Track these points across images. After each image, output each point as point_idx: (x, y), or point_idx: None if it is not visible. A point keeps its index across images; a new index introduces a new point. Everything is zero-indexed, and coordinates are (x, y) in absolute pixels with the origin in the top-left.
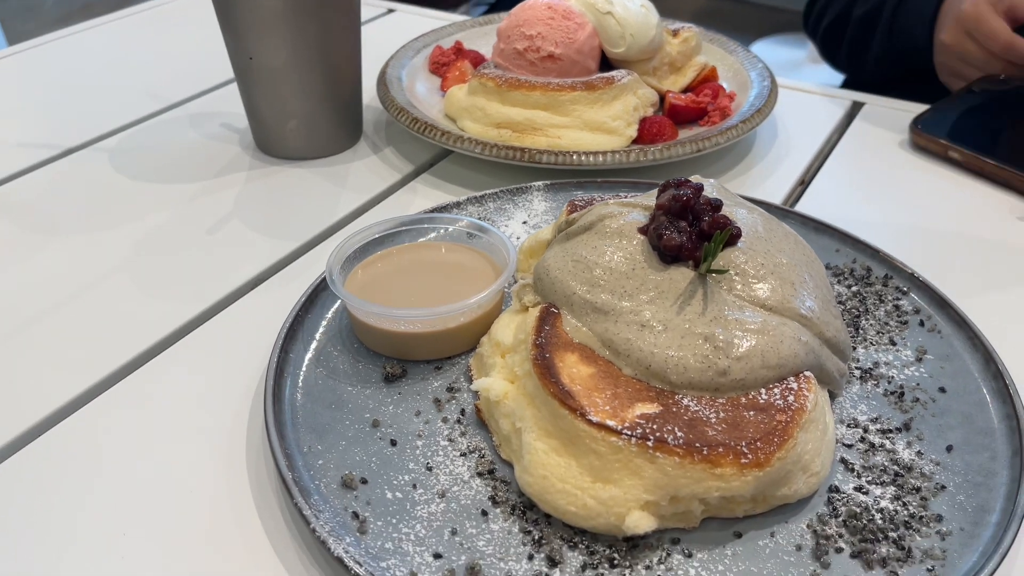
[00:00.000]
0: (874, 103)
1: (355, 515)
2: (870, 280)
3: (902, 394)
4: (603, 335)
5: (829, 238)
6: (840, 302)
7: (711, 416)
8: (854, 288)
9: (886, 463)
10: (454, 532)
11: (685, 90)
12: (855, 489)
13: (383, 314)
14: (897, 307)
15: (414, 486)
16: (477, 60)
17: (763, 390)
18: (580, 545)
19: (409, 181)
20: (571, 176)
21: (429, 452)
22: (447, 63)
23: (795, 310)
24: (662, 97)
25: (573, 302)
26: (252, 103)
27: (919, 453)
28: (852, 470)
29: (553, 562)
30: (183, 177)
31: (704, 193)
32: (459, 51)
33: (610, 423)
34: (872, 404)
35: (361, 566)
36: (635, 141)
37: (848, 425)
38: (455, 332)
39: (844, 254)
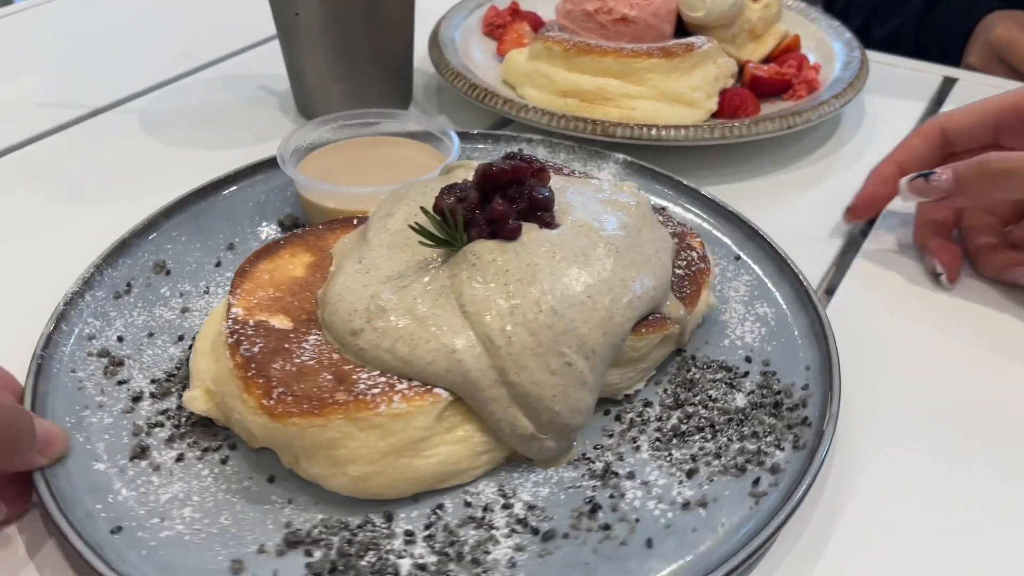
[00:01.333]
0: (968, 80)
1: None
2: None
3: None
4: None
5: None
6: None
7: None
8: None
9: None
10: None
11: (765, 60)
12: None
13: (330, 191)
14: None
15: None
16: (536, 23)
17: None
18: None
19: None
20: (647, 153)
21: None
22: (503, 25)
23: (486, 331)
24: (740, 67)
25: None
26: (295, 64)
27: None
28: None
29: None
30: (217, 142)
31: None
32: (516, 12)
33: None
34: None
35: None
36: (714, 115)
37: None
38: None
39: None
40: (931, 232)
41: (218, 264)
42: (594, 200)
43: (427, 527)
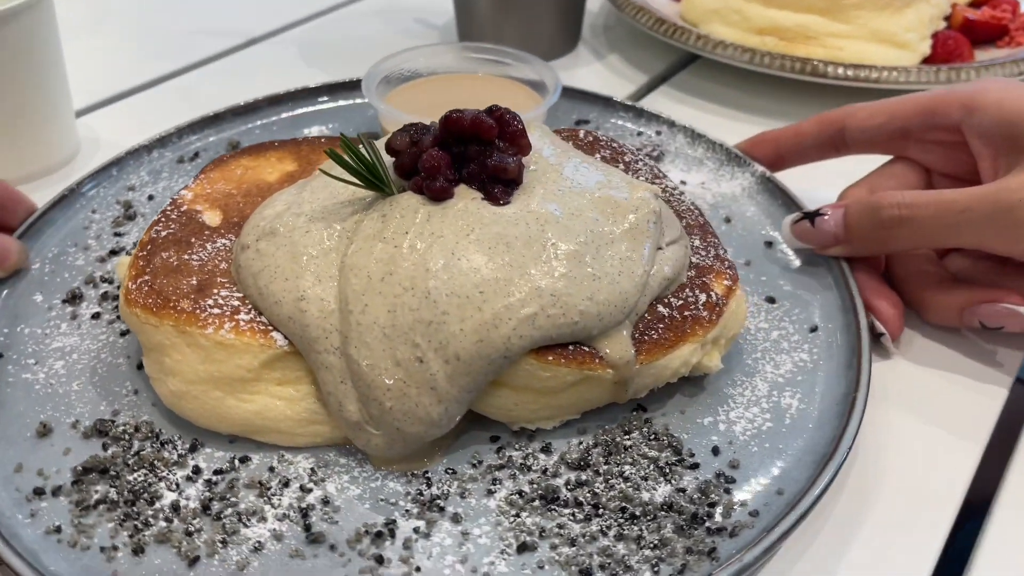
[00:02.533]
0: None
1: None
2: None
3: None
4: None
5: None
6: None
7: None
8: None
9: None
10: None
11: (973, 3)
12: None
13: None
14: None
15: None
16: None
17: None
18: None
19: (644, 95)
20: (858, 97)
21: None
22: None
23: (346, 290)
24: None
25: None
26: None
27: None
28: None
29: None
30: None
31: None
32: None
33: None
34: None
35: None
36: (926, 60)
37: None
38: None
39: None
40: (861, 269)
41: None
42: (588, 189)
43: (217, 472)
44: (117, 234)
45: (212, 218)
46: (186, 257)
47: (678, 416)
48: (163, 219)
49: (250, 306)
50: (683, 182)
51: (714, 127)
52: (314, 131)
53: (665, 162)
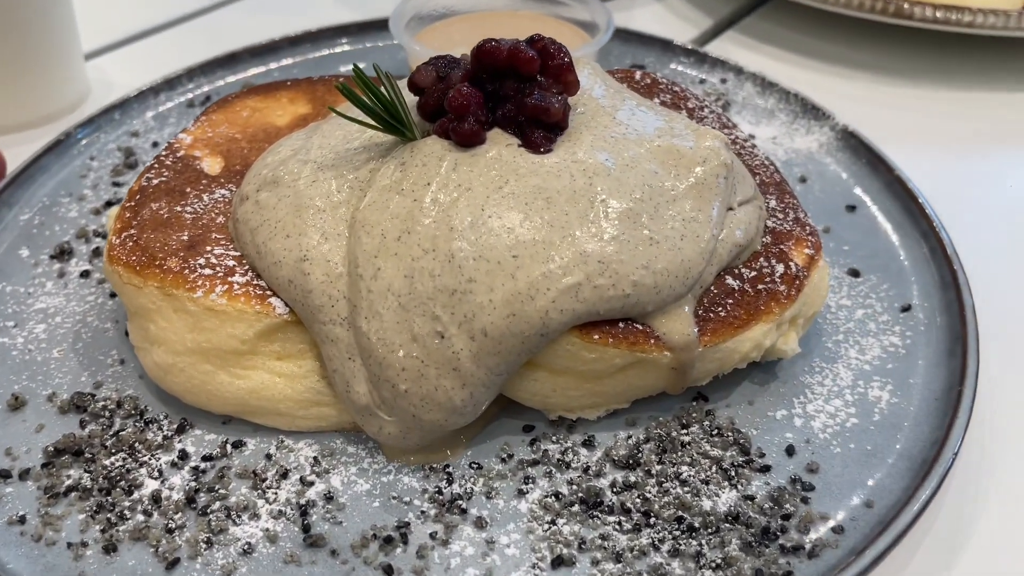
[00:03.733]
0: None
1: None
2: None
3: None
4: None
5: None
6: None
7: None
8: None
9: None
10: None
11: None
12: None
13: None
14: None
15: None
16: None
17: None
18: None
19: (708, 41)
20: (951, 44)
21: None
22: None
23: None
24: None
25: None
26: None
27: None
28: None
29: None
30: None
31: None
32: None
33: None
34: None
35: None
36: None
37: None
38: None
39: None
40: None
41: None
42: (646, 136)
43: (206, 459)
44: (116, 184)
45: (212, 165)
46: (179, 209)
47: (746, 408)
48: (157, 165)
49: (247, 267)
50: (752, 135)
51: (787, 76)
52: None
53: (731, 113)
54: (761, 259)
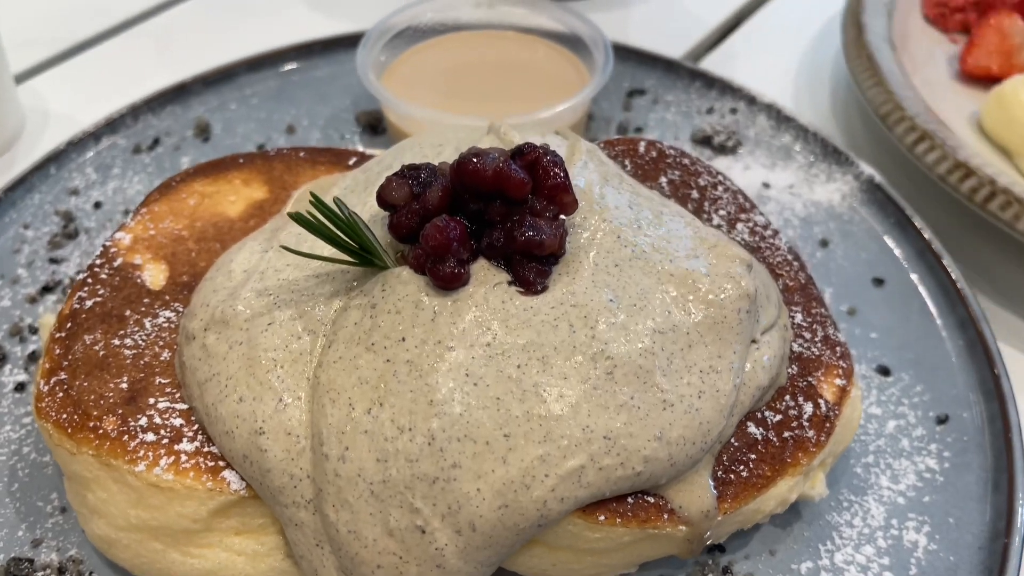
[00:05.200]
0: None
1: None
2: None
3: None
4: None
5: None
6: None
7: None
8: None
9: None
10: None
11: None
12: None
13: (428, 118)
14: None
15: None
16: None
17: None
18: None
19: (727, 34)
20: None
21: None
22: (961, 8)
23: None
24: None
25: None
26: None
27: None
28: None
29: None
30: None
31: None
32: None
33: None
34: None
35: None
36: None
37: None
38: None
39: None
40: None
41: (261, 147)
42: (656, 260)
43: None
44: (53, 260)
45: (155, 275)
46: (116, 343)
47: (767, 560)
48: (91, 280)
49: (196, 425)
50: (766, 184)
51: (809, 84)
52: (304, 105)
53: (743, 153)
54: (787, 397)
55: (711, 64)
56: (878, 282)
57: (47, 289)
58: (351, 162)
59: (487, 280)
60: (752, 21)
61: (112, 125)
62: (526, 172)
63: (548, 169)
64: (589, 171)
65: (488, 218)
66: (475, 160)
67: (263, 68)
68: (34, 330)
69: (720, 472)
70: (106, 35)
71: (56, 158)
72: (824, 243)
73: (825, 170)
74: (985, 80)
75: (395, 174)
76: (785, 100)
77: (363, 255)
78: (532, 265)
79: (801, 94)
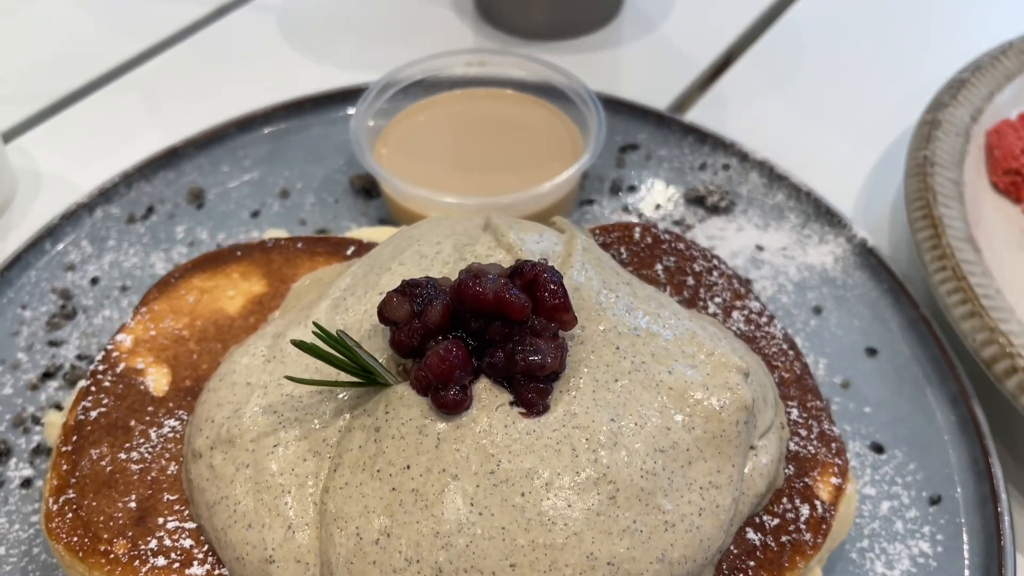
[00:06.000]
0: None
1: None
2: None
3: None
4: None
5: None
6: None
7: None
8: None
9: None
10: None
11: None
12: None
13: (424, 198)
14: None
15: None
16: None
17: None
18: None
19: (714, 79)
20: None
21: None
22: None
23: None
24: None
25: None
26: None
27: None
28: None
29: None
30: (367, 54)
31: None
32: None
33: None
34: None
35: None
36: None
37: None
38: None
39: None
40: None
41: (255, 214)
42: (655, 374)
43: None
44: (52, 343)
45: (157, 380)
46: (123, 457)
47: None
48: (94, 388)
49: (206, 544)
50: (760, 247)
51: (801, 128)
52: (297, 166)
53: (736, 213)
54: (784, 499)
55: (703, 108)
56: (871, 352)
57: (48, 375)
58: (349, 251)
59: (490, 402)
60: (743, 60)
61: (106, 194)
62: (525, 292)
63: (546, 287)
64: (587, 274)
65: (489, 338)
66: (475, 283)
67: (254, 128)
68: (37, 420)
69: None
70: (91, 88)
71: (51, 233)
72: (818, 310)
73: (818, 231)
74: None
75: (396, 290)
76: (780, 144)
77: (366, 375)
78: (534, 385)
79: (795, 138)
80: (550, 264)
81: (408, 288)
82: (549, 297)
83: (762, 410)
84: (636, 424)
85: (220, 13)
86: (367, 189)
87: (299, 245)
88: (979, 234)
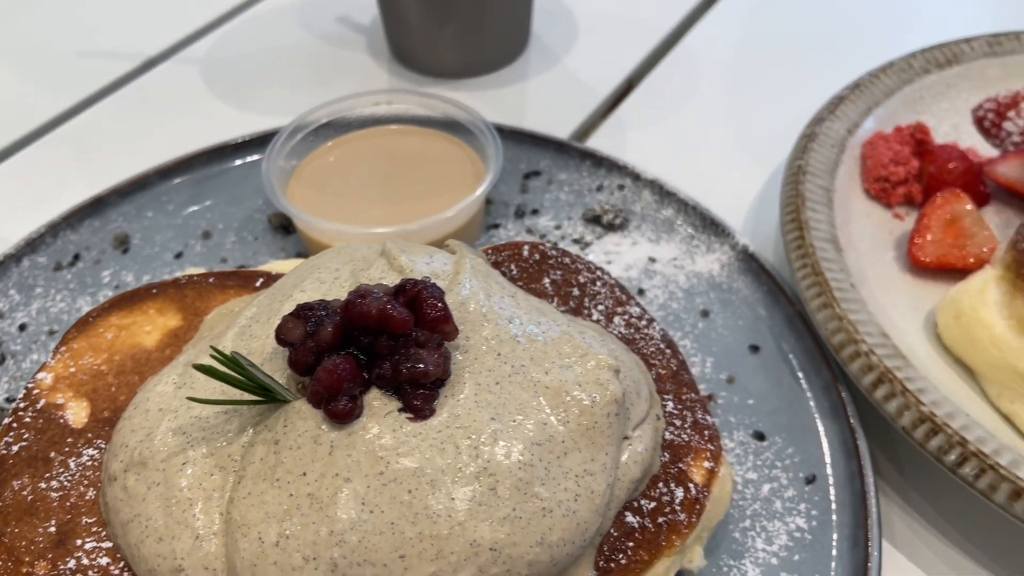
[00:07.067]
0: None
1: None
2: None
3: None
4: None
5: None
6: None
7: None
8: None
9: None
10: None
11: None
12: None
13: (333, 230)
14: None
15: None
16: (969, 184)
17: None
18: None
19: (614, 106)
20: None
21: None
22: (905, 181)
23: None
24: None
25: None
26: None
27: None
28: None
29: None
30: (290, 98)
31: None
32: (922, 145)
33: None
34: None
35: None
36: None
37: None
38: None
39: None
40: None
41: (179, 256)
42: (533, 375)
43: None
44: None
45: (77, 413)
46: (43, 486)
47: None
48: (16, 425)
49: (122, 562)
50: (652, 259)
51: (696, 149)
52: (219, 208)
53: (631, 229)
54: (660, 484)
55: (604, 134)
56: (754, 349)
57: None
58: (258, 283)
59: (380, 410)
60: (640, 88)
61: (32, 244)
62: (408, 308)
63: (427, 302)
64: (473, 289)
65: (377, 351)
66: (360, 301)
67: (176, 174)
68: None
69: (601, 562)
70: (20, 144)
71: None
72: (705, 313)
73: (705, 241)
74: (937, 270)
75: (291, 314)
76: (676, 165)
77: (265, 393)
78: (419, 392)
79: (691, 158)
80: (438, 282)
81: (302, 311)
82: (430, 311)
83: (635, 403)
84: (515, 421)
85: (146, 67)
86: (285, 226)
87: (211, 280)
88: (846, 235)
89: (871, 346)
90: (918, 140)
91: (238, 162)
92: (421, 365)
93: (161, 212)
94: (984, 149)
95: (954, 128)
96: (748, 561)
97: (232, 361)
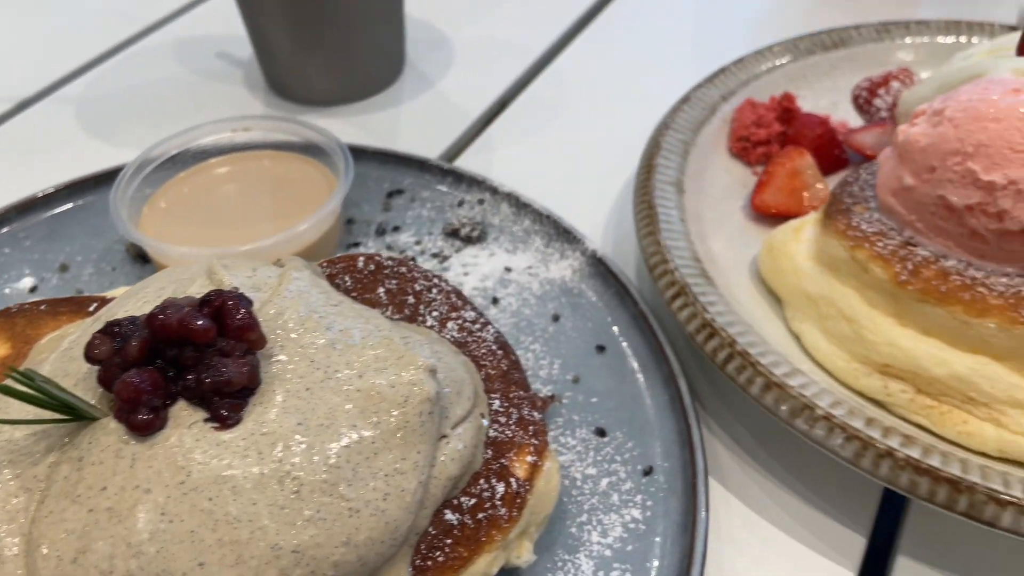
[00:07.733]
0: None
1: None
2: None
3: None
4: None
5: None
6: None
7: None
8: None
9: None
10: None
11: None
12: None
13: (182, 253)
14: None
15: None
16: (825, 154)
17: None
18: None
19: (487, 124)
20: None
21: None
22: (765, 142)
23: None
24: None
25: None
26: (258, 32)
27: None
28: None
29: None
30: (166, 132)
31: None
32: (790, 116)
33: None
34: None
35: None
36: None
37: None
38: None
39: None
40: None
41: (33, 290)
42: (345, 379)
43: None
44: None
45: None
46: None
47: None
48: None
49: None
50: (508, 268)
51: (561, 163)
52: (79, 241)
53: (489, 241)
54: (481, 480)
55: (473, 153)
56: (600, 349)
57: None
58: (92, 308)
59: (185, 421)
60: (510, 109)
61: None
62: (212, 319)
63: (231, 312)
64: (291, 299)
65: (182, 363)
66: (162, 314)
67: (35, 211)
68: None
69: (418, 560)
70: None
71: None
72: (556, 318)
73: (559, 248)
74: (775, 218)
75: (99, 331)
76: (540, 179)
77: (71, 411)
78: (226, 401)
79: (555, 172)
80: (259, 294)
81: (110, 328)
82: (233, 320)
83: (456, 402)
84: (322, 425)
85: (21, 107)
86: (142, 255)
87: (43, 307)
88: (698, 184)
89: (678, 265)
90: (784, 107)
91: (99, 196)
92: (224, 374)
93: (18, 248)
94: (856, 124)
95: (832, 104)
96: (583, 554)
97: (30, 380)
